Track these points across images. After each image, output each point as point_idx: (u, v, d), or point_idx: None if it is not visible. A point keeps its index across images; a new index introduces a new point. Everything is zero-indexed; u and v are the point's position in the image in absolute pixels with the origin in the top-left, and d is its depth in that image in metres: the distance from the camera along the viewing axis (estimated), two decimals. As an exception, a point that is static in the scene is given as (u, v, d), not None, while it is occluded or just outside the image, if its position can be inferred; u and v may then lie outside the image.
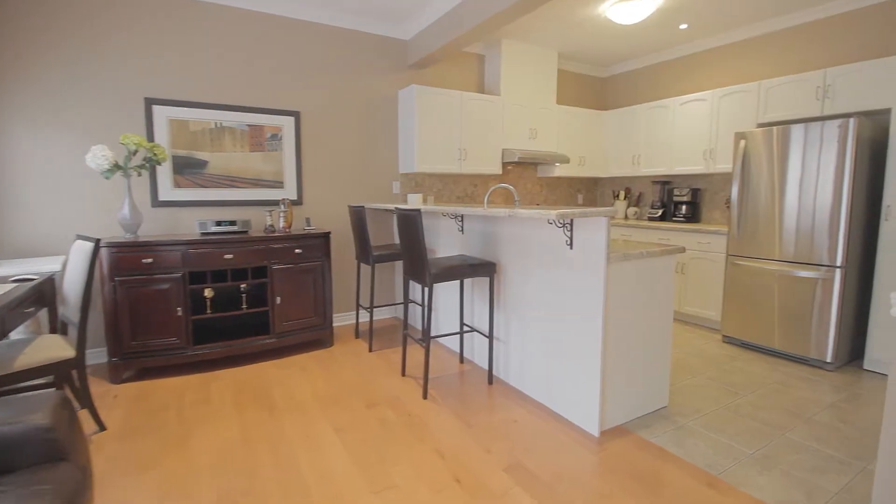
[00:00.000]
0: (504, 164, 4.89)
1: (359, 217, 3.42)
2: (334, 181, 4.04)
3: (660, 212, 4.80)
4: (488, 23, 3.21)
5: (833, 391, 2.76)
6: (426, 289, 3.13)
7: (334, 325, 4.11)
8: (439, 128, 4.13)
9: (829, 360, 3.06)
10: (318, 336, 3.48)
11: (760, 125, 3.81)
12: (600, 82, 5.69)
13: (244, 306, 3.26)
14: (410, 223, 2.61)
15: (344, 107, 4.02)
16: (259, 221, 3.75)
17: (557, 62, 5.21)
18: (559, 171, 4.97)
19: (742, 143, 3.48)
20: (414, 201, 4.22)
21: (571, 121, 4.99)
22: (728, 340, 3.67)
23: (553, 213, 2.03)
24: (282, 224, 3.47)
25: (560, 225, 2.35)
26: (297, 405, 2.59)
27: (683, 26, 4.17)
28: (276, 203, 3.78)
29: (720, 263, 3.88)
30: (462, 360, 3.23)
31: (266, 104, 3.70)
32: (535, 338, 2.63)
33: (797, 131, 3.17)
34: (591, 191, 5.75)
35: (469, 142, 4.31)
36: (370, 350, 3.46)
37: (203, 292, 3.14)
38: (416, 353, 3.39)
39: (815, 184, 3.10)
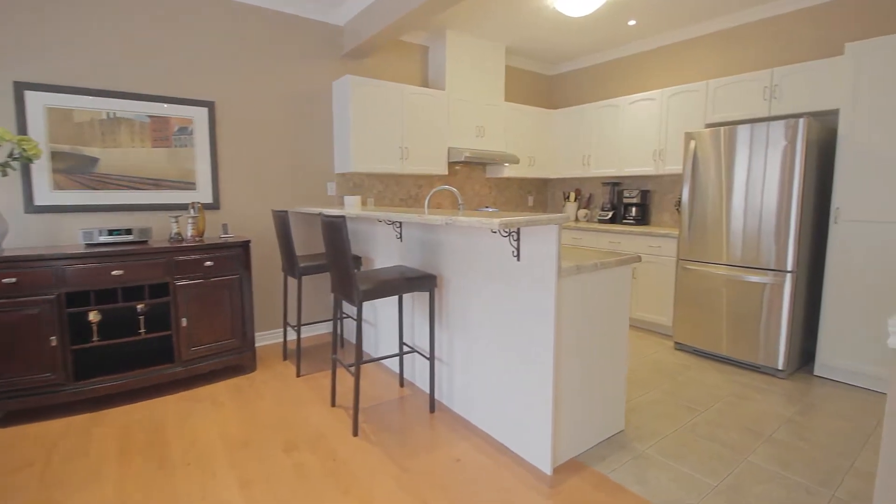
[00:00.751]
0: (450, 164, 4.59)
1: (283, 223, 3.00)
2: (259, 182, 3.57)
3: (610, 214, 4.67)
4: (426, 6, 2.88)
5: (788, 402, 2.65)
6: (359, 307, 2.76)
7: (259, 345, 3.64)
8: (378, 124, 3.76)
9: (780, 367, 2.98)
10: (236, 361, 3.02)
11: (709, 125, 3.72)
12: (549, 80, 5.52)
13: (142, 331, 2.75)
14: (335, 231, 2.24)
15: (269, 98, 3.56)
16: (165, 229, 3.22)
17: (505, 57, 4.97)
18: (508, 171, 4.74)
19: (692, 143, 3.35)
20: (351, 204, 3.83)
21: (520, 119, 4.77)
22: (680, 347, 3.55)
23: (496, 222, 1.73)
24: (190, 232, 2.98)
25: (505, 234, 2.06)
26: (198, 453, 2.15)
27: (632, 22, 4.03)
28: (185, 207, 3.27)
29: (671, 268, 3.76)
30: (402, 383, 2.89)
31: (173, 92, 3.19)
32: (481, 360, 2.33)
33: (743, 132, 3.07)
34: (541, 192, 5.57)
35: (412, 139, 3.97)
36: (298, 375, 3.04)
37: (87, 316, 2.61)
38: (349, 377, 3.01)
39: (761, 186, 3.01)
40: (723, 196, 3.21)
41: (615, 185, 4.72)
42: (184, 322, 2.78)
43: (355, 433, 2.30)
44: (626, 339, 2.29)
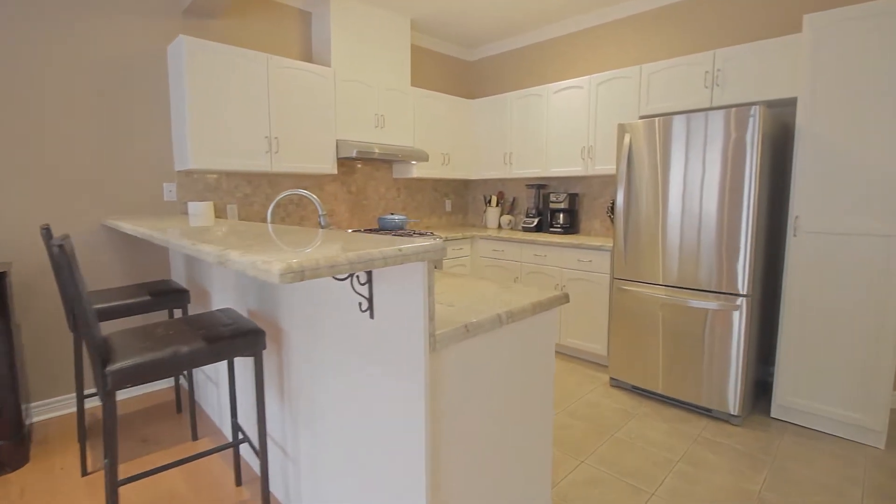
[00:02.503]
0: (341, 161, 3.71)
1: (60, 251, 1.97)
2: (46, 185, 2.49)
3: (535, 221, 4.03)
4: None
5: (752, 466, 2.07)
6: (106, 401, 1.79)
7: (44, 419, 2.55)
8: (233, 105, 2.81)
9: (733, 412, 2.43)
10: (-24, 460, 1.96)
11: (643, 118, 3.16)
12: (469, 67, 4.81)
13: None
14: (62, 268, 1.31)
15: (67, 66, 2.49)
16: None
17: (415, 36, 4.18)
18: (419, 170, 3.95)
19: (627, 137, 2.75)
20: (198, 213, 2.84)
21: (432, 109, 4.00)
22: (617, 384, 2.95)
23: (277, 268, 0.89)
24: None
25: (341, 277, 1.24)
26: None
27: (555, -5, 3.40)
28: None
29: (604, 287, 3.16)
30: (240, 480, 1.98)
31: None
32: (333, 455, 1.50)
33: (679, 123, 2.51)
34: (461, 195, 4.84)
35: (284, 128, 3.05)
36: (84, 472, 2.03)
37: None
38: (169, 474, 2.03)
39: (700, 191, 2.46)
40: (659, 203, 2.63)
41: (540, 188, 4.10)
42: None
43: None
44: (550, 408, 1.56)
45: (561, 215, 3.85)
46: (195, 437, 2.34)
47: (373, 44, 3.54)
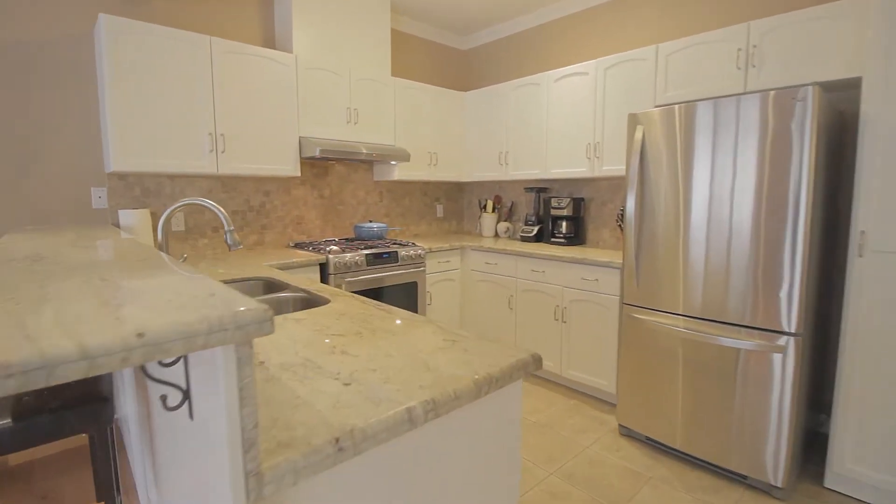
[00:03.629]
0: (310, 162, 3.27)
1: None
2: (-60, 188, 2.10)
3: (535, 229, 3.52)
4: None
5: (804, 570, 1.54)
6: None
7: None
8: (167, 96, 2.38)
9: (775, 481, 1.89)
10: None
11: (659, 108, 2.63)
12: (463, 56, 4.33)
13: None
14: None
15: (-48, 46, 2.10)
16: None
17: (394, 19, 3.72)
18: (402, 172, 3.48)
19: (639, 130, 2.23)
20: (132, 223, 2.43)
21: (417, 102, 3.52)
22: (627, 433, 2.42)
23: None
24: None
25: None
26: None
27: (555, -35, 2.89)
28: None
29: (613, 312, 2.64)
30: (119, 575, 1.53)
31: None
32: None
33: (706, 110, 1.99)
34: (454, 199, 4.36)
35: (234, 124, 2.62)
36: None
37: None
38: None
39: (730, 195, 1.92)
40: (680, 211, 2.11)
41: (540, 192, 3.59)
42: None
43: None
44: (514, 530, 1.07)
45: (563, 223, 3.33)
46: (100, 498, 1.91)
47: (344, 27, 3.09)
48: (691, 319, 2.11)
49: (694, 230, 2.07)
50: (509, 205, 4.00)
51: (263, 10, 3.03)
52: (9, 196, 2.26)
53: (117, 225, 2.49)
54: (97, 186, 2.49)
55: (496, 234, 4.01)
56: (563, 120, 3.15)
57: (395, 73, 3.77)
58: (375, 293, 2.92)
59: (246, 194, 3.00)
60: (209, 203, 1.50)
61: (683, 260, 2.11)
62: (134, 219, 2.43)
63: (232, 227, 1.51)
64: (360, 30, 3.17)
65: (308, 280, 1.92)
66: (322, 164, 3.36)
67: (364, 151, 2.99)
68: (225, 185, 2.92)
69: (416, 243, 3.32)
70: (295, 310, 1.75)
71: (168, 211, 1.57)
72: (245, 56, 2.62)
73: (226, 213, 1.51)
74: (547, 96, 3.23)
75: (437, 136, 3.68)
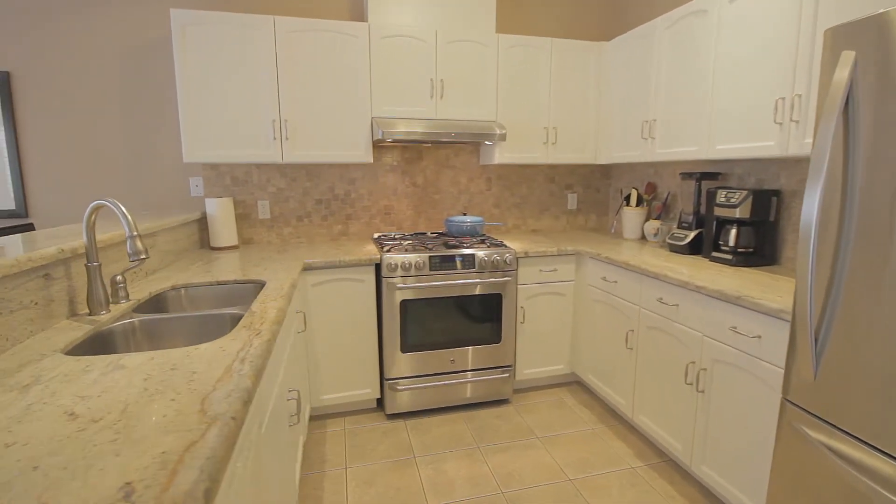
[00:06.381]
0: (389, 146, 2.89)
1: None
2: (89, 180, 2.55)
3: (690, 235, 2.37)
4: None
5: None
6: None
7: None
8: (232, 84, 2.34)
9: None
10: None
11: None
12: (620, -4, 3.23)
13: None
14: None
15: (88, 59, 2.47)
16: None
17: (522, -39, 2.96)
18: (510, 154, 2.80)
19: (847, 58, 1.08)
20: (216, 211, 2.54)
21: (531, 62, 2.75)
22: None
23: None
24: None
25: None
26: None
27: None
28: (-38, 217, 2.43)
29: (775, 396, 1.49)
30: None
31: (-58, 59, 2.33)
32: None
33: None
34: (594, 187, 3.37)
35: (299, 108, 2.44)
36: None
37: None
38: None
39: None
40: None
41: (700, 180, 2.38)
42: None
43: None
44: None
45: (734, 230, 2.12)
46: None
47: (436, -20, 2.56)
48: (939, 482, 0.93)
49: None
50: (665, 196, 2.85)
51: (352, -21, 2.75)
52: (128, 186, 2.61)
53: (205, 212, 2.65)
54: (194, 176, 2.68)
55: (642, 237, 2.93)
56: (739, 66, 1.94)
57: (500, 28, 3.04)
58: (440, 304, 2.41)
59: (330, 182, 2.86)
60: (110, 203, 1.27)
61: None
62: (217, 207, 2.53)
63: (135, 234, 1.26)
64: (455, -20, 2.58)
65: (287, 289, 1.57)
66: (415, 148, 2.96)
67: (463, 130, 2.46)
68: (309, 173, 2.82)
69: (507, 244, 2.63)
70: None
71: (90, 207, 1.42)
72: (310, 33, 2.39)
73: (129, 217, 1.26)
74: (716, 31, 2.04)
75: (557, 105, 2.83)
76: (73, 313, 1.39)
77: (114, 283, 1.50)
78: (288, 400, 1.56)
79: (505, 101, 2.73)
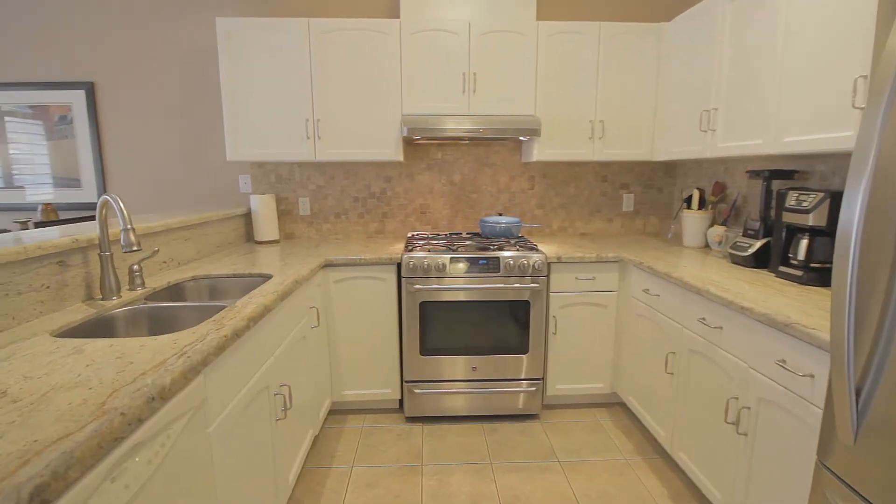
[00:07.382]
0: (413, 143, 2.82)
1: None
2: (153, 177, 2.85)
3: (756, 245, 2.00)
4: None
5: None
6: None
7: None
8: (268, 85, 2.45)
9: None
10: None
11: None
12: (694, -31, 2.83)
13: None
14: None
15: (155, 68, 2.74)
16: None
17: (574, -59, 2.73)
18: (550, 151, 2.60)
19: (906, 20, 0.79)
20: (259, 207, 2.70)
21: (575, 51, 2.52)
22: None
23: None
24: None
25: None
26: None
27: None
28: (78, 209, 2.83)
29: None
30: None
31: (47, 76, 2.73)
32: None
33: None
34: (655, 187, 3.01)
35: (331, 107, 2.49)
36: None
37: None
38: None
39: None
40: None
41: (770, 179, 1.99)
42: None
43: None
44: None
45: (805, 239, 1.74)
46: None
47: (473, -30, 2.45)
48: None
49: None
50: (734, 199, 2.45)
51: (391, -24, 2.74)
52: (188, 182, 2.86)
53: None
54: (243, 174, 2.86)
55: (705, 245, 2.55)
56: (810, 34, 1.58)
57: (540, 16, 2.81)
58: (461, 309, 2.30)
59: (367, 180, 2.88)
60: (111, 197, 1.37)
61: None
62: (259, 203, 2.68)
63: (129, 227, 1.35)
64: (493, -33, 2.45)
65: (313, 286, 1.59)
66: (452, 145, 2.88)
67: (496, 126, 2.35)
68: (347, 172, 2.87)
69: (541, 248, 2.44)
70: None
71: (98, 206, 1.53)
72: (342, 32, 2.42)
73: (125, 212, 1.35)
74: (786, 3, 1.68)
75: (605, 96, 2.56)
76: (88, 297, 1.53)
77: (130, 271, 1.63)
78: (275, 395, 1.58)
79: (544, 93, 2.53)
